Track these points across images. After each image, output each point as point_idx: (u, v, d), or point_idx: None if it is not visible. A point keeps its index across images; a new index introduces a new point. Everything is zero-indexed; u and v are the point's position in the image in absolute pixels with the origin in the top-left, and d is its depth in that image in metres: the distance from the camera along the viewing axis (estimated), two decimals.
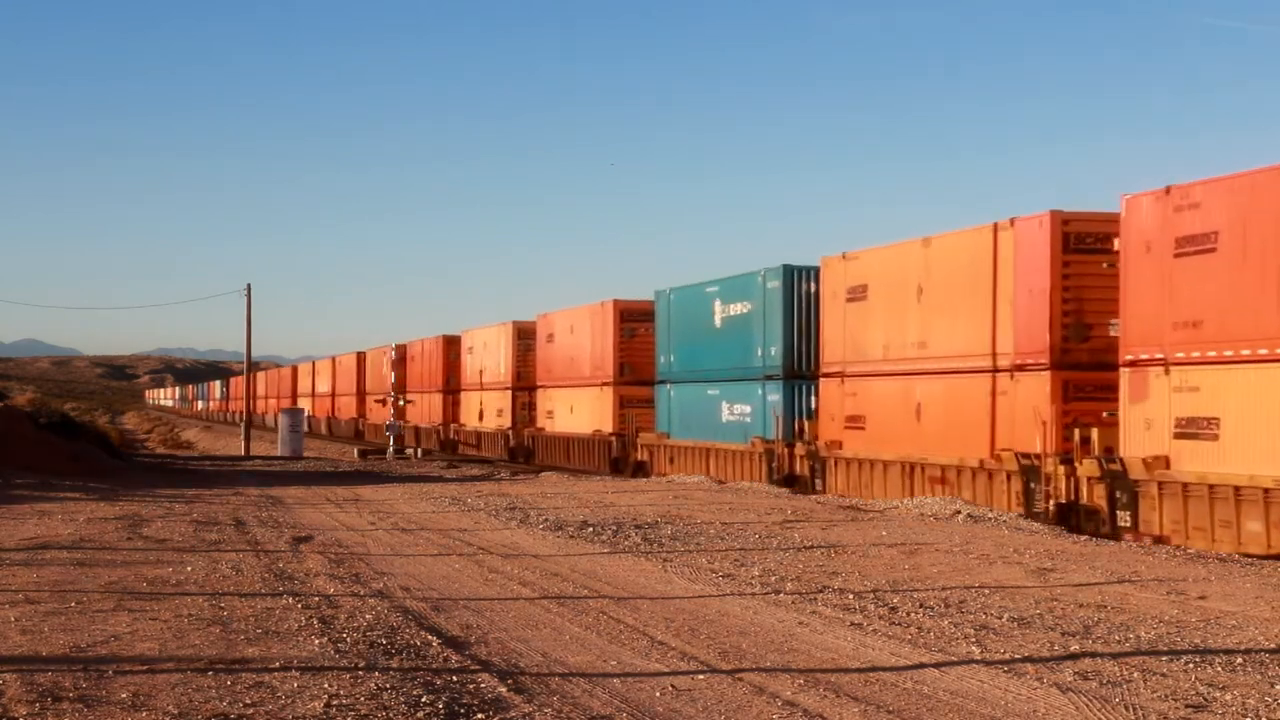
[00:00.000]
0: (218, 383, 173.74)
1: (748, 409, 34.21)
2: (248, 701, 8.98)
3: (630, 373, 43.05)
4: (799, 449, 31.60)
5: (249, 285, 63.21)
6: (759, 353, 33.80)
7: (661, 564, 16.53)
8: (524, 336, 53.25)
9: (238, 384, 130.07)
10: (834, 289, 30.30)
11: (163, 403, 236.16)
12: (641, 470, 40.20)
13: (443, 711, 8.82)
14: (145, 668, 10.00)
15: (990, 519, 22.81)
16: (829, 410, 30.38)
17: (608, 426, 43.40)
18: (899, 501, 25.85)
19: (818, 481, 30.60)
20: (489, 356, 57.06)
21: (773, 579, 15.15)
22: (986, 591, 14.27)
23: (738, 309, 35.23)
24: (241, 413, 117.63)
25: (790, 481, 31.43)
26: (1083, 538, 20.43)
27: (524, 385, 53.04)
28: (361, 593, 14.16)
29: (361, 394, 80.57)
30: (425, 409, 66.69)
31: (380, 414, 71.58)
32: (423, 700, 9.08)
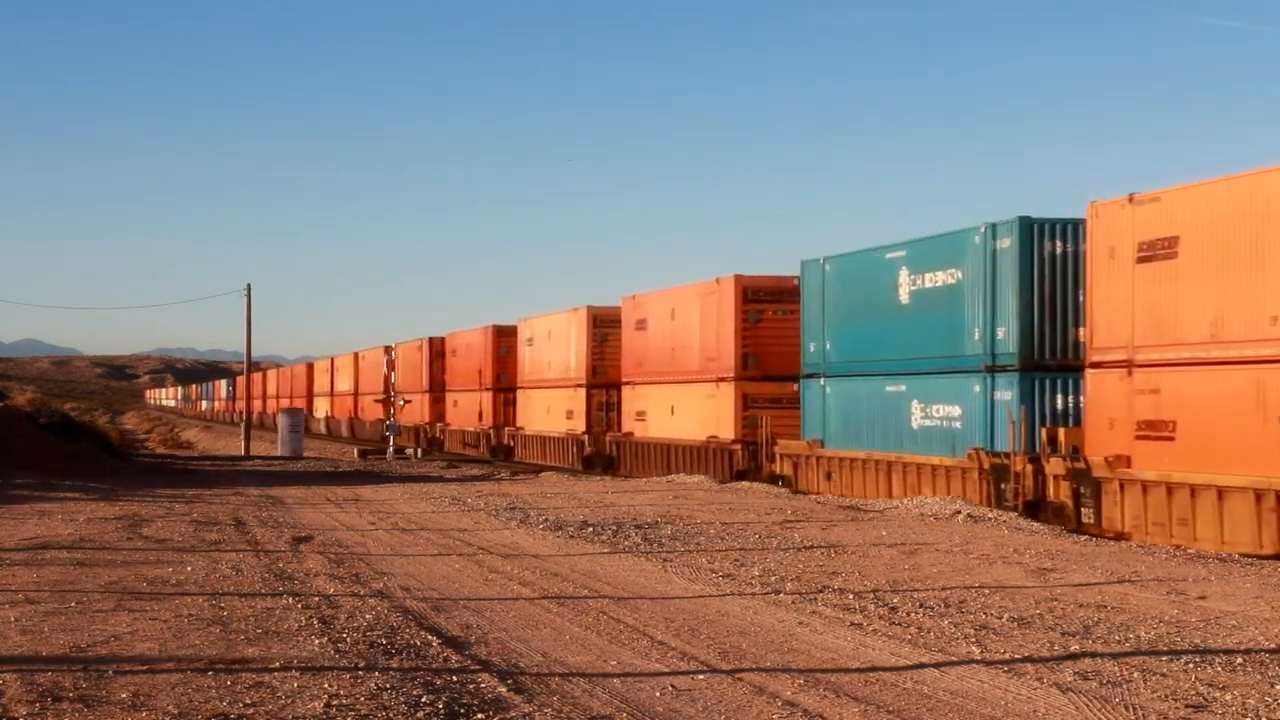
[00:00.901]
0: (223, 382, 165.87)
1: (955, 411, 26.65)
2: (248, 701, 8.98)
3: (755, 365, 35.21)
4: (1053, 466, 23.59)
5: (249, 285, 63.21)
6: (975, 335, 26.22)
7: (661, 564, 16.53)
8: (601, 324, 45.77)
9: (242, 384, 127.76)
10: (1110, 245, 22.51)
11: (164, 403, 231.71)
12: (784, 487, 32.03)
13: (443, 711, 8.82)
14: (145, 668, 10.00)
15: (990, 519, 22.80)
16: (1106, 413, 22.41)
17: (728, 432, 35.29)
18: (899, 501, 25.82)
19: (1087, 511, 22.77)
20: (555, 349, 49.20)
21: (773, 579, 15.15)
22: (986, 591, 14.28)
23: (939, 279, 27.49)
24: (257, 412, 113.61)
25: (1034, 509, 23.73)
26: (1083, 538, 20.43)
27: (601, 381, 45.52)
28: (361, 593, 14.16)
29: (392, 393, 73.68)
30: (468, 410, 58.71)
31: (415, 414, 66.71)
32: (423, 700, 9.08)
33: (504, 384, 54.78)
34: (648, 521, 21.70)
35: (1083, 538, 20.44)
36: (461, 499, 27.09)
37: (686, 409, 38.02)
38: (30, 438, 38.03)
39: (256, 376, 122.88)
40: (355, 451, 57.89)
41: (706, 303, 36.78)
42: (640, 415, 41.91)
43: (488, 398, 56.18)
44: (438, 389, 65.14)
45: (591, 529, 20.56)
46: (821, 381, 31.53)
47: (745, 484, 32.27)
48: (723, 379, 35.60)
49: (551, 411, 49.29)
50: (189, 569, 15.70)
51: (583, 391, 45.83)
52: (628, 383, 42.71)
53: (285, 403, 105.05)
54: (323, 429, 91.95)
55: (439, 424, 64.80)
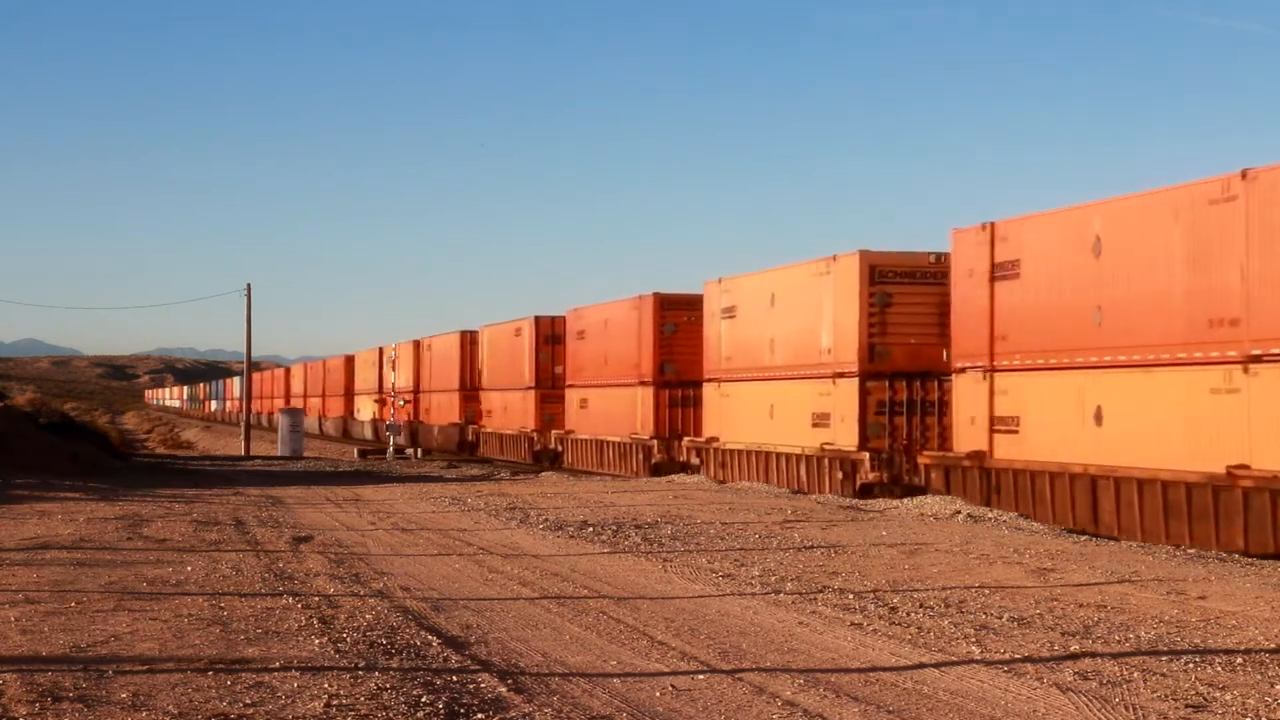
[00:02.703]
0: (236, 380, 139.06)
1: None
2: (248, 701, 8.98)
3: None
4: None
5: (249, 285, 63.20)
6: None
7: (661, 564, 16.53)
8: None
9: (261, 381, 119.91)
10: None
11: (168, 403, 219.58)
12: None
13: (443, 711, 8.82)
14: (145, 668, 10.00)
15: (990, 519, 22.82)
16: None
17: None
18: (898, 501, 25.80)
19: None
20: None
21: (773, 579, 15.15)
22: (986, 591, 14.28)
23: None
24: (266, 412, 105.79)
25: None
26: (1083, 537, 20.44)
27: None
28: (361, 593, 14.16)
29: (473, 388, 58.18)
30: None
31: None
32: (423, 700, 9.08)
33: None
34: (648, 521, 21.71)
35: (1083, 538, 20.46)
36: (461, 499, 27.09)
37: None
38: (30, 438, 38.04)
39: (279, 373, 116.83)
40: (355, 451, 57.92)
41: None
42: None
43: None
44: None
45: (591, 529, 20.57)
46: None
47: (746, 484, 32.24)
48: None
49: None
50: (189, 569, 15.70)
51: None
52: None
53: (317, 403, 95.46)
54: (367, 433, 74.24)
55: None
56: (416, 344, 67.46)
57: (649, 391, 39.71)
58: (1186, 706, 9.17)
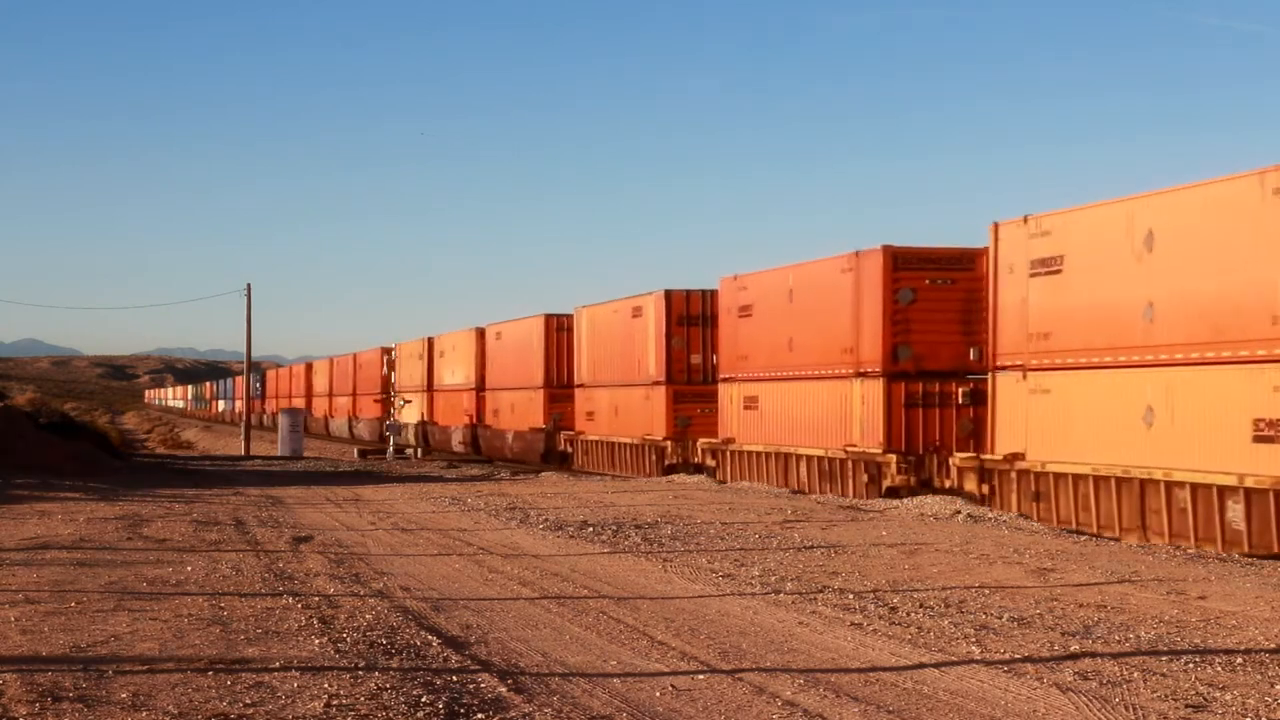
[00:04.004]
0: (251, 377, 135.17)
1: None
2: (248, 701, 8.98)
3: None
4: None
5: (249, 285, 63.16)
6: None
7: (661, 564, 16.53)
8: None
9: (277, 379, 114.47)
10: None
11: (171, 403, 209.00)
12: None
13: (443, 711, 8.83)
14: (145, 668, 10.01)
15: (990, 519, 22.81)
16: None
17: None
18: (898, 501, 25.79)
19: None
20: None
21: (773, 579, 15.15)
22: (986, 591, 14.28)
23: None
24: (277, 413, 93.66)
25: None
26: (1083, 538, 20.44)
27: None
28: (361, 593, 14.16)
29: (559, 385, 47.66)
30: (623, 413, 41.73)
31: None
32: (423, 700, 9.09)
33: (559, 382, 46.61)
34: (648, 521, 21.71)
35: (1083, 537, 20.45)
36: (461, 499, 27.10)
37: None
38: (30, 438, 38.03)
39: (299, 369, 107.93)
40: (355, 451, 57.94)
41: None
42: (590, 415, 36.17)
43: (539, 396, 47.42)
44: (560, 384, 50.41)
45: (591, 529, 20.57)
46: None
47: (745, 484, 32.23)
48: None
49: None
50: (189, 569, 15.71)
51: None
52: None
53: (345, 402, 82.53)
54: (412, 438, 62.71)
55: (563, 432, 47.21)
56: (479, 332, 54.98)
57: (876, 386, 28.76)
58: (1186, 706, 9.17)
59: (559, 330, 47.25)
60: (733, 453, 34.14)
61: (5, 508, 23.31)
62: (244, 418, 65.06)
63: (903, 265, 28.01)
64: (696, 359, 38.47)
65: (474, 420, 54.87)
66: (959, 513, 23.32)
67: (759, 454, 32.75)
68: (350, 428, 78.55)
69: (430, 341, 62.33)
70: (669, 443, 37.82)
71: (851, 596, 13.94)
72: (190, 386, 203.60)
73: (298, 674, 9.83)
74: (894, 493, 27.18)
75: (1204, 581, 15.03)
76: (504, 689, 9.55)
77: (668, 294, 38.49)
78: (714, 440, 35.21)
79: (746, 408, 33.84)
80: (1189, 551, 18.79)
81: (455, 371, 57.62)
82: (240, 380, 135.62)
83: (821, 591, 14.27)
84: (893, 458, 27.47)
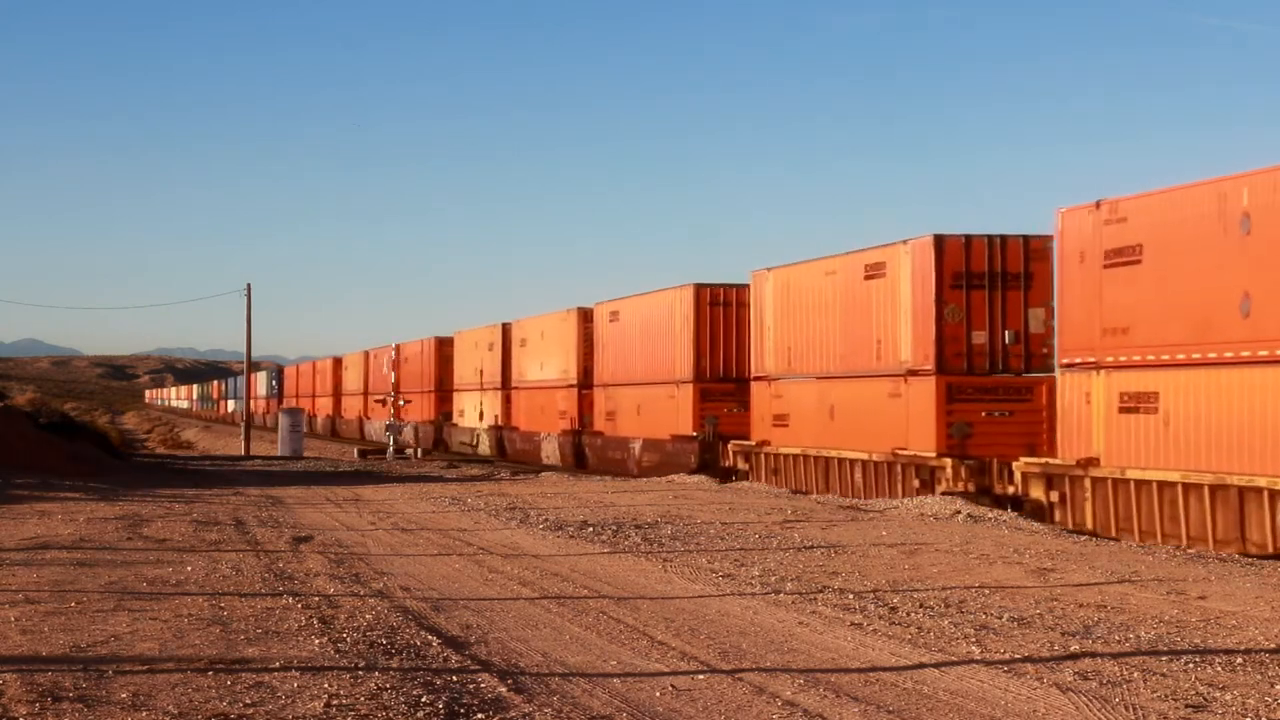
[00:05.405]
0: (260, 375, 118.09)
1: None
2: (248, 701, 8.98)
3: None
4: None
5: (249, 285, 63.12)
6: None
7: (661, 564, 16.53)
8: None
9: (298, 376, 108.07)
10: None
11: (174, 403, 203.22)
12: None
13: (443, 711, 8.83)
14: (145, 668, 10.00)
15: (990, 519, 22.81)
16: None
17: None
18: (898, 501, 25.77)
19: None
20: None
21: (773, 579, 15.15)
22: (986, 591, 14.28)
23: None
24: (307, 413, 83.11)
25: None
26: (1083, 538, 20.44)
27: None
28: (361, 593, 14.16)
29: (715, 379, 37.81)
30: (833, 414, 30.40)
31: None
32: (423, 700, 9.09)
33: (713, 374, 37.37)
34: (648, 521, 21.71)
35: (1082, 538, 20.46)
36: (461, 499, 27.10)
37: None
38: (30, 438, 38.03)
39: (325, 365, 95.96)
40: (355, 451, 57.94)
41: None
42: (780, 419, 31.36)
43: (685, 394, 38.24)
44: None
45: (591, 529, 20.57)
46: None
47: (745, 484, 32.21)
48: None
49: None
50: (189, 569, 15.70)
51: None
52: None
53: (376, 401, 71.54)
54: (482, 447, 55.24)
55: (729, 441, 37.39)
56: (583, 312, 45.28)
57: None
58: (1186, 706, 9.17)
59: (713, 305, 37.29)
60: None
61: (5, 508, 23.31)
62: (244, 418, 65.04)
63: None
64: (980, 338, 26.88)
65: (576, 425, 45.30)
66: (959, 513, 23.31)
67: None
68: (393, 431, 62.62)
69: (506, 328, 52.58)
70: (948, 461, 26.28)
71: (851, 596, 13.94)
72: (196, 386, 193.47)
73: (298, 674, 9.83)
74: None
75: (1204, 581, 15.03)
76: (504, 689, 9.56)
77: (938, 239, 26.79)
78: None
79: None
80: (1189, 551, 18.79)
81: (545, 364, 48.14)
82: (254, 378, 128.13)
83: (821, 591, 14.27)
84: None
